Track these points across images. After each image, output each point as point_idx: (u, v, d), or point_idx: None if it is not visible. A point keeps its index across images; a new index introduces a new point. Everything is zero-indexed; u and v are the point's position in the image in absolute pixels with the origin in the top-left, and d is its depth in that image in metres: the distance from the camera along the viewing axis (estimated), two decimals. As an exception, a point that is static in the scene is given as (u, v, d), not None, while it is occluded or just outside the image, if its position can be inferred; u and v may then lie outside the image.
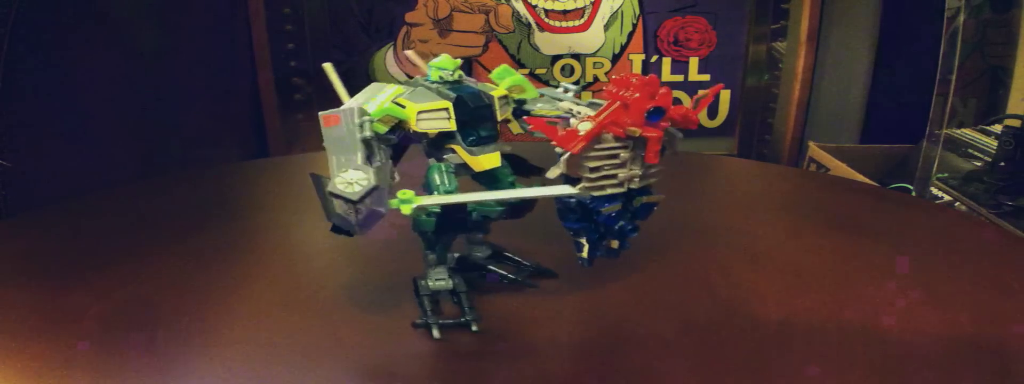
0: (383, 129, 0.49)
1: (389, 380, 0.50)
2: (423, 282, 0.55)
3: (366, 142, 0.47)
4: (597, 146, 0.48)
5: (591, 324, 0.56)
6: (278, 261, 0.69)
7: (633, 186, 0.50)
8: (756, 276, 0.65)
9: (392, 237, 0.72)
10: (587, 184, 0.49)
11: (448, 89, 0.53)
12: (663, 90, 0.48)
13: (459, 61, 0.55)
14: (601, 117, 0.47)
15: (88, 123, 1.04)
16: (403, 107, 0.50)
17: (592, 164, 0.48)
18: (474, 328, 0.52)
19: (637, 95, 0.47)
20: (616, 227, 0.52)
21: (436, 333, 0.52)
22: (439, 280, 0.54)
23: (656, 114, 0.47)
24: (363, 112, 0.48)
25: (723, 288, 0.63)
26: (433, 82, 0.54)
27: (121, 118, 1.12)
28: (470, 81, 0.55)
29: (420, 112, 0.50)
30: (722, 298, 0.61)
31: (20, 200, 0.88)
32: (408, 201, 0.47)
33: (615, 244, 0.53)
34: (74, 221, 0.80)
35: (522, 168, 0.56)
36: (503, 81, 0.55)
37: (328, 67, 0.56)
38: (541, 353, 0.52)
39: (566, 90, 0.56)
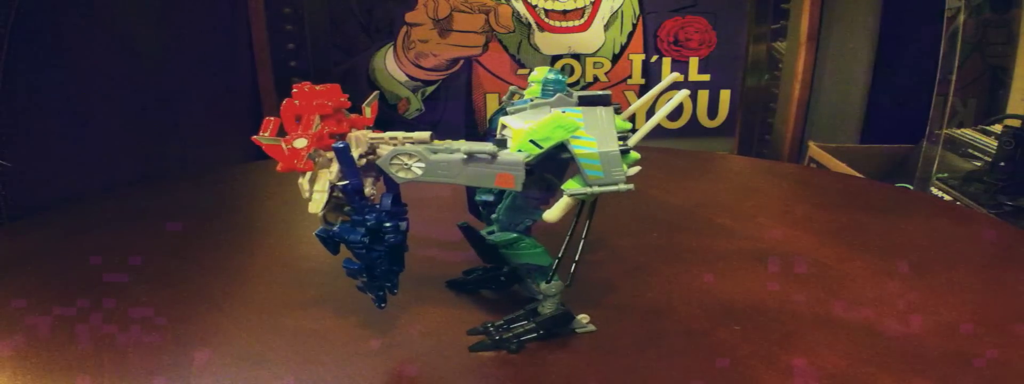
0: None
1: (390, 378, 0.50)
2: None
3: None
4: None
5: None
6: (278, 261, 0.69)
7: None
8: (755, 275, 0.65)
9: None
10: None
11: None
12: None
13: (545, 71, 0.52)
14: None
15: (88, 123, 1.04)
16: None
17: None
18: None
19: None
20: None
21: None
22: None
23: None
24: None
25: (722, 287, 0.63)
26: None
27: (121, 118, 1.11)
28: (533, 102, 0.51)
29: None
30: (721, 297, 0.61)
31: (20, 200, 0.87)
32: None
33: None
34: (74, 221, 0.80)
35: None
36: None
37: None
38: (541, 354, 0.52)
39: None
